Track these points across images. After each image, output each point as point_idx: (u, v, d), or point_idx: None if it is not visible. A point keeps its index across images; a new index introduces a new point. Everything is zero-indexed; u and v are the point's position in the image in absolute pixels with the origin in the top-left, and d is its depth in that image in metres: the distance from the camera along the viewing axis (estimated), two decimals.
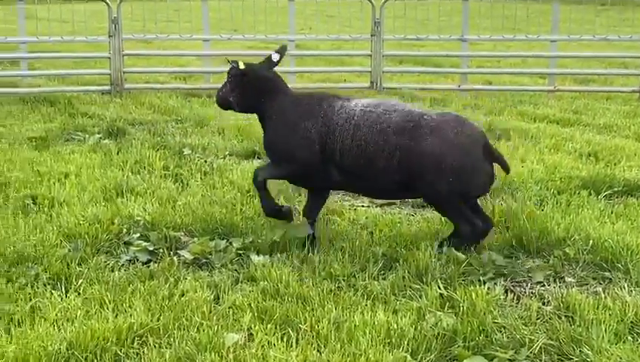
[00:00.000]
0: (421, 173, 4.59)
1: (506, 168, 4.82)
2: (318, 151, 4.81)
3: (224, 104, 5.30)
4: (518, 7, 13.64)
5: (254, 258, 4.62)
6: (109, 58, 10.90)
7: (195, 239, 5.00)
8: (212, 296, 4.06)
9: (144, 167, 6.76)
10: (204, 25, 11.53)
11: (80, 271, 4.38)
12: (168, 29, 14.31)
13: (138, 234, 5.02)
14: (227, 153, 7.45)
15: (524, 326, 3.75)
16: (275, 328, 3.71)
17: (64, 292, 4.11)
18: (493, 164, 4.73)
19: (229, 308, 3.92)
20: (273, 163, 5.09)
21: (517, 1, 14.80)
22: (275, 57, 5.16)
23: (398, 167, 4.64)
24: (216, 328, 3.65)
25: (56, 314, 3.80)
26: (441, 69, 13.08)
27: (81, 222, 5.13)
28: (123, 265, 4.59)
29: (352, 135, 4.72)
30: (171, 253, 4.73)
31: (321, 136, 4.80)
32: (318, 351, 3.51)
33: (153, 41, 13.39)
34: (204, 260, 4.67)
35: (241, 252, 4.76)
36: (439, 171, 4.54)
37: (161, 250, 4.78)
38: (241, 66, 5.10)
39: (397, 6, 12.11)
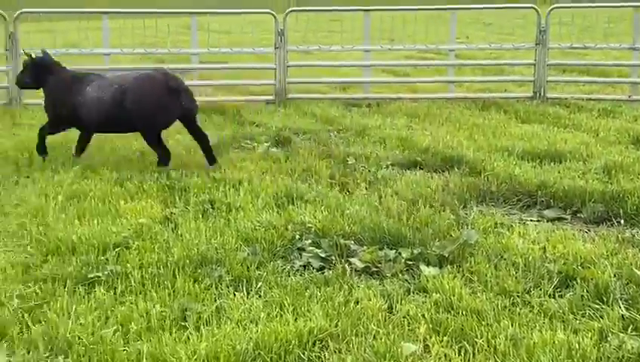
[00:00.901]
0: (130, 120, 7.13)
1: (189, 106, 7.31)
2: (76, 115, 7.25)
3: (21, 84, 7.88)
4: None
5: (424, 269, 4.65)
6: (275, 69, 11.31)
7: (364, 248, 5.09)
8: (386, 305, 4.14)
9: (311, 176, 6.98)
10: (365, 35, 11.70)
11: (259, 274, 4.59)
12: (327, 39, 14.65)
13: (310, 241, 5.17)
14: (389, 163, 7.53)
15: None
16: (451, 341, 3.73)
17: (246, 294, 4.33)
18: (182, 102, 7.20)
19: (403, 317, 3.98)
20: (50, 121, 7.57)
21: None
22: (48, 53, 7.73)
23: (120, 120, 7.14)
24: (392, 337, 3.72)
25: (239, 315, 4.01)
26: (608, 79, 12.53)
27: (257, 228, 5.38)
28: (298, 270, 4.77)
29: (90, 106, 7.16)
30: (342, 260, 4.85)
31: (75, 106, 7.22)
32: None
33: (314, 52, 13.70)
34: (374, 269, 4.76)
35: (410, 262, 4.81)
36: (135, 116, 7.09)
37: (332, 257, 4.91)
38: (34, 56, 7.55)
39: (563, 13, 11.74)
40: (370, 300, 4.17)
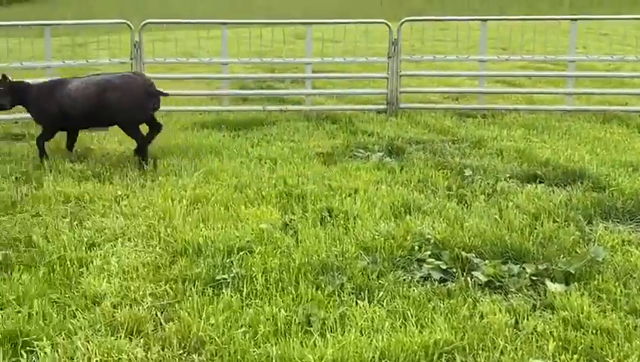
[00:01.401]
0: (114, 115, 7.87)
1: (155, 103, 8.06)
2: (62, 115, 7.97)
3: None
4: None
5: (550, 285, 4.54)
6: (387, 78, 11.32)
7: (486, 261, 5.01)
8: (512, 321, 4.06)
9: (427, 186, 6.93)
10: (481, 45, 11.50)
11: (380, 283, 4.61)
12: (435, 48, 14.48)
13: (429, 253, 5.13)
14: (508, 175, 7.37)
15: None
16: (581, 359, 3.62)
17: (368, 302, 4.35)
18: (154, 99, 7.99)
19: (530, 333, 3.90)
20: (44, 129, 8.28)
21: None
22: (8, 78, 8.18)
23: (104, 115, 7.88)
24: (520, 353, 3.65)
25: (363, 323, 4.04)
26: None
27: (376, 237, 5.39)
28: (418, 281, 4.75)
29: (75, 104, 7.88)
30: (464, 273, 4.79)
31: (60, 107, 7.95)
32: None
33: (425, 61, 13.59)
34: (498, 283, 4.68)
35: (535, 278, 4.70)
36: (119, 111, 7.82)
37: (453, 270, 4.87)
38: (9, 79, 8.15)
39: None
40: (496, 315, 4.11)
